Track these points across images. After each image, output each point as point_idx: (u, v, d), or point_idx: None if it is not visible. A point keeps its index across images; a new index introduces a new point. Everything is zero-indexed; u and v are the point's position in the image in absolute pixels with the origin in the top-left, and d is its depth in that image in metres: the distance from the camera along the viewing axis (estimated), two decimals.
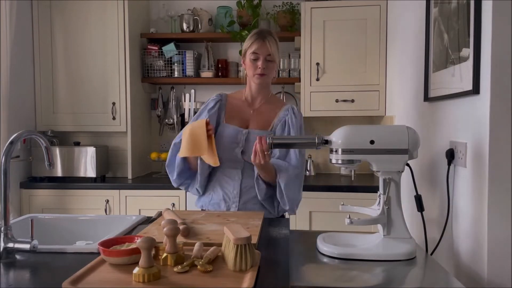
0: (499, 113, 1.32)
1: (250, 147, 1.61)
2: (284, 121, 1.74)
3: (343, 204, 1.46)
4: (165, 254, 1.03)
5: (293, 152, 1.69)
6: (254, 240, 1.22)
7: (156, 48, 3.14)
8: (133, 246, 1.07)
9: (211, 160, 1.62)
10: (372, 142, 1.31)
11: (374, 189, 1.46)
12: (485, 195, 1.34)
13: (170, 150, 1.77)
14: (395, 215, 1.33)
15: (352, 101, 2.88)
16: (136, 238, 1.14)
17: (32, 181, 2.92)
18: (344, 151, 1.32)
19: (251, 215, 1.55)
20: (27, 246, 1.12)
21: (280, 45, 1.74)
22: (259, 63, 1.67)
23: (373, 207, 1.40)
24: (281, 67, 3.10)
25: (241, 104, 1.79)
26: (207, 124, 1.60)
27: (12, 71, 2.73)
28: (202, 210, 1.80)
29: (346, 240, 1.40)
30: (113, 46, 2.96)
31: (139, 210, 2.79)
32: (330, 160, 1.38)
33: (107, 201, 2.81)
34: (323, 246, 1.35)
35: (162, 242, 1.10)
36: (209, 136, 1.59)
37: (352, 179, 2.92)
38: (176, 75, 3.15)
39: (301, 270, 1.22)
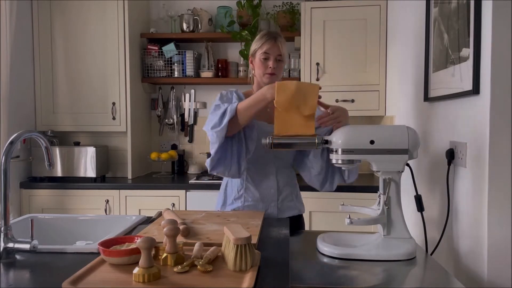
0: (499, 113, 1.32)
1: None
2: None
3: (343, 204, 1.46)
4: (165, 254, 1.03)
5: None
6: (254, 240, 1.22)
7: (156, 48, 3.14)
8: (133, 246, 1.07)
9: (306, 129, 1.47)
10: (372, 142, 1.31)
11: (374, 189, 1.46)
12: (485, 195, 1.34)
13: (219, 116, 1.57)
14: (395, 215, 1.33)
15: (352, 101, 2.88)
16: (136, 238, 1.14)
17: (32, 181, 2.92)
18: (344, 151, 1.33)
19: (251, 215, 1.55)
20: (27, 246, 1.12)
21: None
22: (270, 63, 1.69)
23: (373, 207, 1.40)
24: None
25: None
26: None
27: (12, 71, 2.73)
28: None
29: (346, 240, 1.40)
30: (113, 46, 2.96)
31: (139, 210, 2.79)
32: (330, 160, 1.38)
33: (107, 201, 2.81)
34: (323, 246, 1.35)
35: (162, 242, 1.10)
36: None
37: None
38: (176, 75, 3.15)
39: (301, 270, 1.22)
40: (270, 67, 1.69)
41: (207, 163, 1.63)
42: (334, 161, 1.36)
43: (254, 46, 1.74)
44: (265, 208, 1.71)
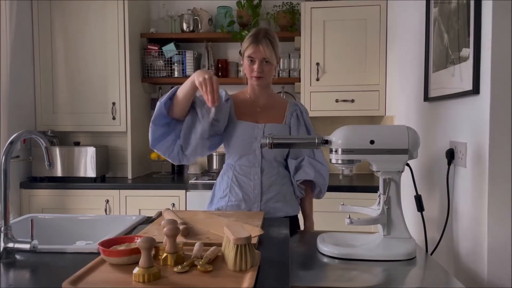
0: (499, 113, 1.32)
1: None
2: (296, 115, 1.80)
3: (343, 204, 1.46)
4: (165, 254, 1.03)
5: (317, 152, 1.82)
6: (254, 240, 1.21)
7: (156, 48, 3.14)
8: (133, 246, 1.07)
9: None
10: (372, 142, 1.31)
11: (374, 189, 1.46)
12: (485, 195, 1.34)
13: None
14: (395, 215, 1.33)
15: (352, 101, 2.88)
16: (136, 238, 1.14)
17: (32, 181, 2.92)
18: (344, 151, 1.32)
19: (251, 215, 1.55)
20: (27, 246, 1.12)
21: (279, 43, 1.74)
22: (255, 67, 1.69)
23: (373, 207, 1.40)
24: (281, 67, 3.10)
25: (247, 102, 1.81)
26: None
27: (12, 71, 2.73)
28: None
29: (346, 240, 1.40)
30: (113, 46, 2.96)
31: (139, 210, 2.78)
32: (330, 160, 1.38)
33: (107, 201, 2.81)
34: (323, 246, 1.35)
35: (162, 242, 1.10)
36: None
37: (350, 177, 2.92)
38: (176, 75, 3.15)
39: (301, 270, 1.22)
40: (255, 71, 1.70)
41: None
42: (334, 161, 1.36)
43: (242, 46, 1.74)
44: (248, 208, 1.70)
